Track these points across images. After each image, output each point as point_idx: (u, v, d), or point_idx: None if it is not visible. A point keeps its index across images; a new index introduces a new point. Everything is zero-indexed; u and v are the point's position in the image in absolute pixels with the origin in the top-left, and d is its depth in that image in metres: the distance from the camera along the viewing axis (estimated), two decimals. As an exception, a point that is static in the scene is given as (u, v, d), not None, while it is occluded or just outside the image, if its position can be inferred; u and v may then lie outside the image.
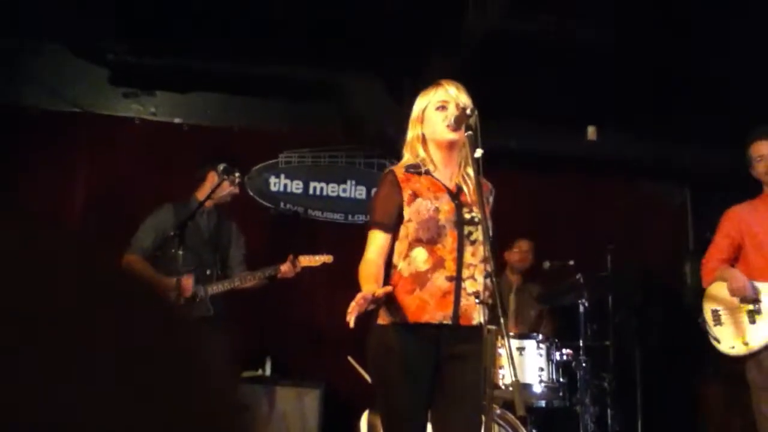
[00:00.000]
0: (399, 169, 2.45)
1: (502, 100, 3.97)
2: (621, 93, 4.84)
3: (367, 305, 2.17)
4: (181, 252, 3.54)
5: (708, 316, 3.62)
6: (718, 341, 3.55)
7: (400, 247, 2.39)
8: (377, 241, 2.40)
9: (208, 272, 3.86)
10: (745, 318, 3.47)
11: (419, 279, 2.33)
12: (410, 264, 2.35)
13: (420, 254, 2.34)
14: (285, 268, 3.84)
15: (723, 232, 3.67)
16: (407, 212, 2.38)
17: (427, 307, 2.31)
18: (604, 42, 4.38)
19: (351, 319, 2.12)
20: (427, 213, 2.36)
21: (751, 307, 3.45)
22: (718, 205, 5.43)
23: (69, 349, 0.41)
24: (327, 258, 3.98)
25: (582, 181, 5.66)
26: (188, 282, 3.68)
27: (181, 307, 3.59)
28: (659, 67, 4.63)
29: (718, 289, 3.59)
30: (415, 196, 2.39)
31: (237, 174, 3.94)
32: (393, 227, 2.40)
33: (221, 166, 3.91)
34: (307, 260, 3.93)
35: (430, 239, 2.34)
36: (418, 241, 2.35)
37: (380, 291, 2.22)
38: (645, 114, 5.09)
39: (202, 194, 3.91)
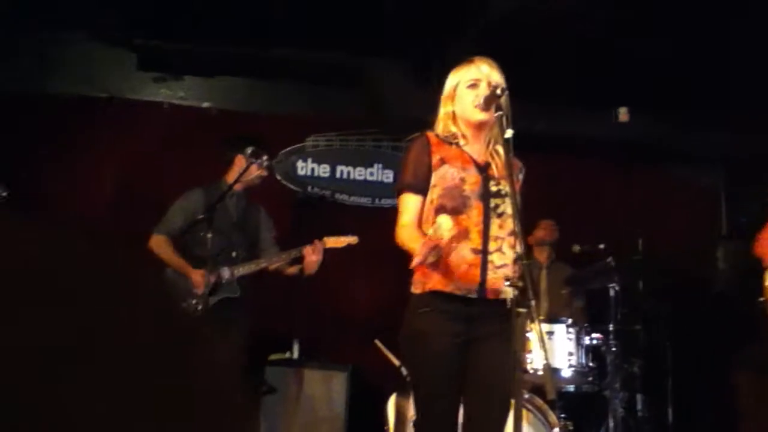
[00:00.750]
0: (431, 134, 2.44)
1: (530, 82, 3.92)
2: (653, 74, 4.75)
3: (432, 250, 2.12)
4: (210, 235, 3.56)
5: None
6: None
7: (425, 212, 2.39)
8: (410, 204, 2.38)
9: (233, 254, 3.88)
10: None
11: (445, 246, 2.29)
12: (436, 231, 2.34)
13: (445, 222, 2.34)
14: (308, 250, 3.83)
15: None
16: (434, 177, 2.37)
17: (453, 277, 2.29)
18: (637, 22, 4.29)
19: (416, 262, 2.12)
20: (452, 181, 2.34)
21: None
22: (751, 189, 5.35)
23: (74, 350, 0.40)
24: (352, 239, 3.98)
25: (613, 164, 5.58)
26: (203, 277, 3.70)
27: (206, 293, 3.63)
28: (692, 47, 4.52)
29: None
30: (442, 161, 2.37)
31: (265, 157, 3.95)
32: (424, 189, 2.38)
33: (249, 150, 3.91)
34: (332, 241, 3.93)
35: (454, 208, 2.32)
36: (442, 208, 2.33)
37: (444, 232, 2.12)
38: (676, 94, 4.99)
39: (230, 178, 3.93)
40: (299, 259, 3.91)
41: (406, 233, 2.32)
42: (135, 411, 0.41)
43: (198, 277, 3.68)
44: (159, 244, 3.83)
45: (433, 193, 2.36)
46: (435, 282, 2.31)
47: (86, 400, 0.40)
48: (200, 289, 3.64)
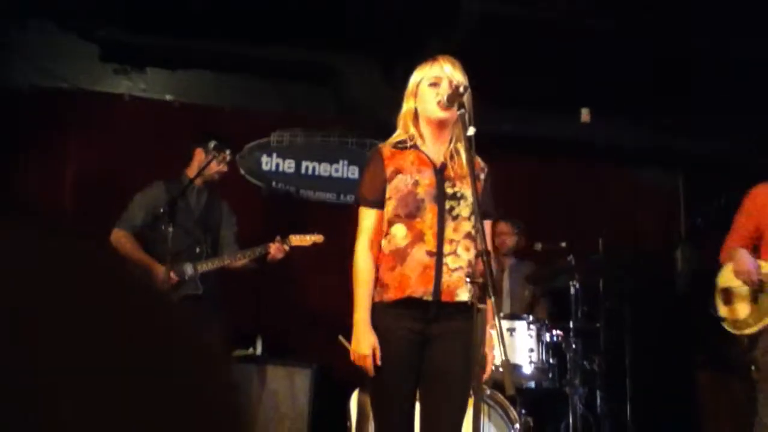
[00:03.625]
0: (386, 147, 2.45)
1: (496, 83, 3.95)
2: (615, 77, 4.82)
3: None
4: (171, 230, 3.52)
5: (718, 296, 3.58)
6: (724, 320, 3.53)
7: (382, 224, 2.40)
8: (368, 220, 2.40)
9: (197, 250, 3.85)
10: (749, 298, 3.43)
11: (399, 255, 2.32)
12: (390, 241, 2.35)
13: (399, 230, 2.34)
14: (273, 248, 3.82)
15: (745, 213, 3.54)
16: (388, 190, 2.38)
17: (409, 281, 2.30)
18: (600, 26, 4.35)
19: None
20: (406, 188, 2.35)
21: (756, 288, 3.39)
22: (710, 191, 5.47)
23: (62, 344, 0.40)
24: (318, 237, 3.97)
25: (575, 166, 5.65)
26: (173, 276, 3.67)
27: (168, 290, 3.58)
28: (655, 51, 4.60)
29: (729, 269, 3.52)
30: (396, 172, 2.38)
31: (227, 152, 3.91)
32: (381, 203, 2.40)
33: (211, 144, 3.88)
34: (297, 239, 3.92)
35: (408, 214, 2.33)
36: (397, 217, 2.35)
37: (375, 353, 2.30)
38: (639, 99, 5.07)
39: (191, 172, 3.89)
40: (263, 257, 3.88)
41: (358, 278, 2.36)
42: (126, 400, 0.41)
43: (160, 273, 3.64)
44: (119, 239, 3.77)
45: (389, 206, 2.38)
46: (391, 293, 2.32)
47: (72, 398, 0.39)
48: (163, 285, 3.59)
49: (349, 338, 3.89)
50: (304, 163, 5.37)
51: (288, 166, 5.34)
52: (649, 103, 5.11)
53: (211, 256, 3.87)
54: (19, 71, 4.98)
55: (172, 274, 3.63)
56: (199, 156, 3.89)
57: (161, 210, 3.64)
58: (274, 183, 5.31)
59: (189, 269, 3.75)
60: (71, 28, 4.94)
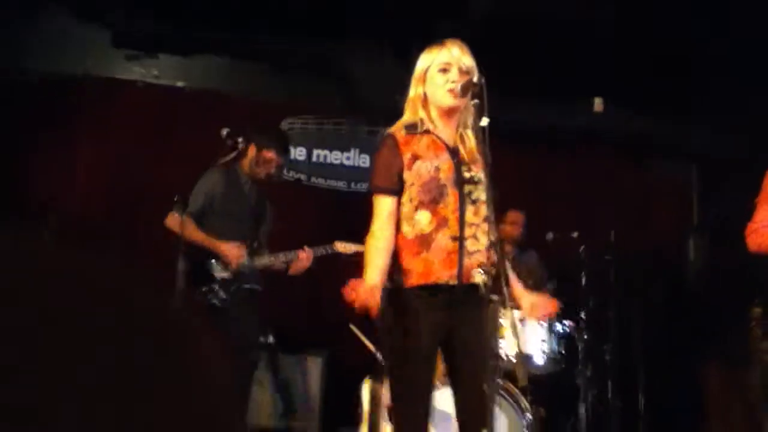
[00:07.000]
0: (399, 132, 2.42)
1: (510, 72, 3.91)
2: (627, 68, 4.78)
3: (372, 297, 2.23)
4: (225, 221, 3.56)
5: None
6: None
7: (403, 210, 2.38)
8: (383, 207, 2.38)
9: (255, 245, 3.81)
10: None
11: (424, 241, 2.32)
12: (414, 227, 2.34)
13: (424, 216, 2.33)
14: (303, 255, 3.76)
15: None
16: (408, 176, 2.36)
17: (433, 267, 2.30)
18: (613, 17, 4.31)
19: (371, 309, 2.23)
20: (428, 174, 2.34)
21: None
22: (723, 182, 5.43)
23: (67, 351, 0.39)
24: (361, 248, 3.89)
25: (588, 157, 5.62)
26: (239, 249, 3.68)
27: (227, 282, 3.61)
28: (666, 41, 4.55)
29: None
30: (414, 158, 2.36)
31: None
32: (397, 191, 2.38)
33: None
34: (342, 247, 3.84)
35: (432, 200, 2.33)
36: (421, 204, 2.34)
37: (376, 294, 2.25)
38: (651, 90, 5.03)
39: (244, 165, 3.84)
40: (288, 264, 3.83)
41: (372, 245, 2.34)
42: (131, 411, 0.41)
43: (234, 250, 3.62)
44: (177, 222, 3.60)
45: (412, 192, 2.35)
46: (414, 279, 2.32)
47: (83, 401, 0.39)
48: (238, 261, 3.60)
49: (359, 326, 3.90)
50: (315, 151, 5.36)
51: (299, 153, 5.34)
52: (662, 94, 5.06)
53: (259, 251, 3.83)
54: (31, 57, 4.99)
55: (241, 248, 3.63)
56: (253, 152, 3.84)
57: (219, 199, 3.63)
58: (285, 171, 5.31)
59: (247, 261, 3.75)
60: (83, 15, 4.94)
